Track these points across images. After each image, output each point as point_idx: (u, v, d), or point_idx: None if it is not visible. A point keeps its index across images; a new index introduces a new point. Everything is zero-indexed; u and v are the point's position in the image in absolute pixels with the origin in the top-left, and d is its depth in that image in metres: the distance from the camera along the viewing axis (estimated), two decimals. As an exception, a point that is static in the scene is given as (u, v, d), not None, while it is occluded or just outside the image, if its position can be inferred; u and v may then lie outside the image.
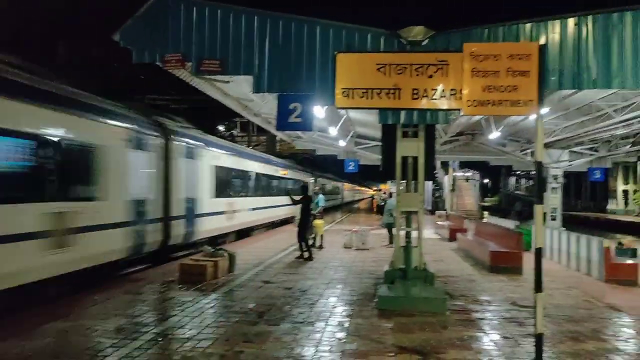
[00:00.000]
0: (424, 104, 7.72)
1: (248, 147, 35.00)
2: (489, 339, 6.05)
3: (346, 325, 6.53)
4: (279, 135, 27.43)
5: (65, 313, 6.85)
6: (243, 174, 19.29)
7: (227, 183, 16.88)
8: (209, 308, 7.29)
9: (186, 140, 13.36)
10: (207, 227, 14.02)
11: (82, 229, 8.24)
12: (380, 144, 9.95)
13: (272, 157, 27.78)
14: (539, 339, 4.60)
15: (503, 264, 10.77)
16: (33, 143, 7.41)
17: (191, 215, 12.97)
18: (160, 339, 5.76)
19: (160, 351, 5.37)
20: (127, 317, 6.66)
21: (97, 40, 25.86)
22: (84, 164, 8.65)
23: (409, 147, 8.60)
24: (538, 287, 4.59)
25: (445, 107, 7.82)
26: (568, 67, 7.79)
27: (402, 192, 8.85)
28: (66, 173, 8.07)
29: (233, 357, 5.24)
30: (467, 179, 45.60)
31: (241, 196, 18.21)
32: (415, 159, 8.59)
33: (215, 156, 15.74)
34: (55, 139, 7.90)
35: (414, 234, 8.38)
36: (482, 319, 7.00)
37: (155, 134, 11.35)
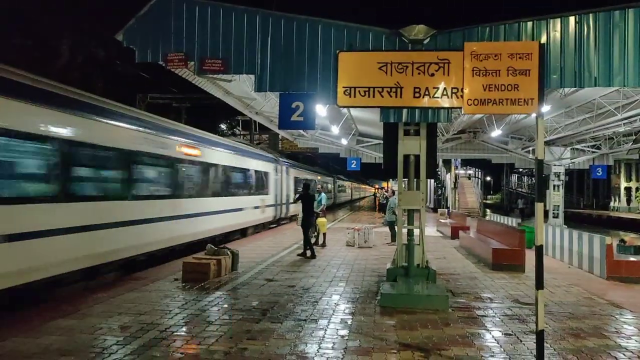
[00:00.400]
0: (425, 102, 7.77)
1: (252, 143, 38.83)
2: (491, 336, 6.09)
3: (349, 322, 6.58)
4: (282, 133, 27.53)
5: (70, 310, 6.91)
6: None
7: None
8: (213, 306, 7.34)
9: (284, 164, 24.98)
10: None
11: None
12: (382, 142, 9.98)
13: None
14: (540, 335, 4.64)
15: (505, 262, 10.81)
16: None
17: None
18: (164, 337, 5.82)
19: (165, 349, 5.42)
20: (131, 315, 6.72)
21: (100, 39, 25.90)
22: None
23: (411, 145, 8.63)
24: (539, 284, 4.63)
25: (446, 105, 7.87)
26: (569, 65, 7.82)
27: (404, 190, 8.89)
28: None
29: (237, 354, 5.30)
30: (469, 177, 45.61)
31: None
32: (417, 157, 8.62)
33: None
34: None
35: (416, 231, 8.41)
36: (484, 316, 7.04)
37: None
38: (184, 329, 6.18)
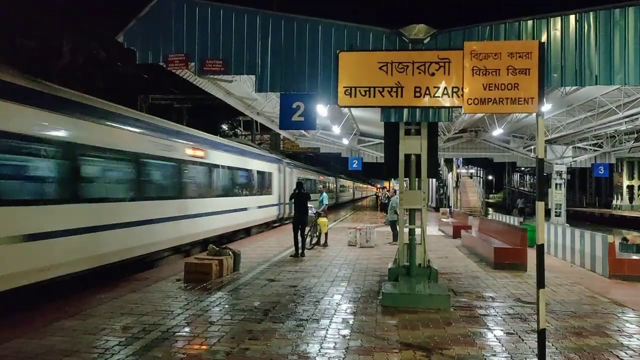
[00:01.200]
0: (426, 101, 7.76)
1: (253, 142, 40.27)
2: (493, 335, 6.09)
3: (350, 322, 6.58)
4: (283, 133, 27.54)
5: (73, 311, 6.94)
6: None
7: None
8: (215, 306, 7.36)
9: (287, 165, 25.37)
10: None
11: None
12: (383, 141, 9.97)
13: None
14: (541, 334, 4.64)
15: (507, 261, 10.80)
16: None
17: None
18: (166, 337, 5.83)
19: (167, 349, 5.44)
20: (134, 316, 6.74)
21: (100, 40, 25.95)
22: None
23: (412, 145, 8.63)
24: (540, 283, 4.63)
25: (447, 104, 7.86)
26: (570, 64, 7.82)
27: (405, 190, 8.89)
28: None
29: (239, 354, 5.31)
30: (471, 176, 45.59)
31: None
32: (418, 156, 8.62)
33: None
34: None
35: (418, 231, 8.42)
36: (486, 315, 7.04)
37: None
38: (186, 329, 6.19)
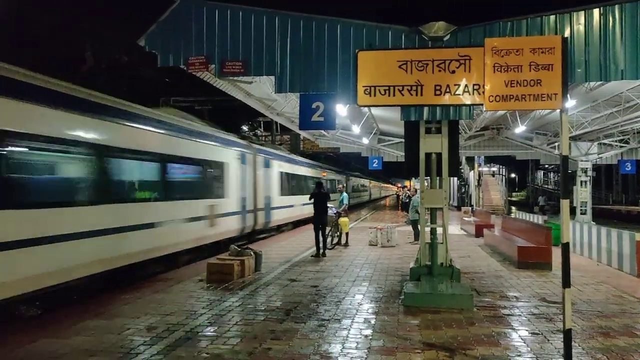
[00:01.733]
0: (446, 99, 7.67)
1: (273, 143, 38.86)
2: (518, 335, 6.00)
3: (372, 322, 6.56)
4: (303, 134, 27.57)
5: (99, 311, 7.06)
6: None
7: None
8: (237, 306, 7.40)
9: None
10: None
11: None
12: (403, 140, 9.89)
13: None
14: (567, 334, 4.55)
15: (531, 260, 10.62)
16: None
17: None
18: (190, 337, 5.89)
19: (190, 349, 5.49)
20: (157, 316, 6.82)
21: (122, 45, 26.36)
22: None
23: (433, 144, 8.55)
24: (566, 282, 4.54)
25: (468, 102, 7.74)
26: (594, 59, 7.66)
27: (426, 189, 8.82)
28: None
29: (261, 354, 5.33)
30: (493, 174, 45.01)
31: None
32: (439, 155, 8.54)
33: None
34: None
35: (439, 230, 8.34)
36: (510, 315, 6.94)
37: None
38: (209, 329, 6.24)
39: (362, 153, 26.93)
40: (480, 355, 5.27)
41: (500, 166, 47.53)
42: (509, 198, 42.65)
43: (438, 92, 7.72)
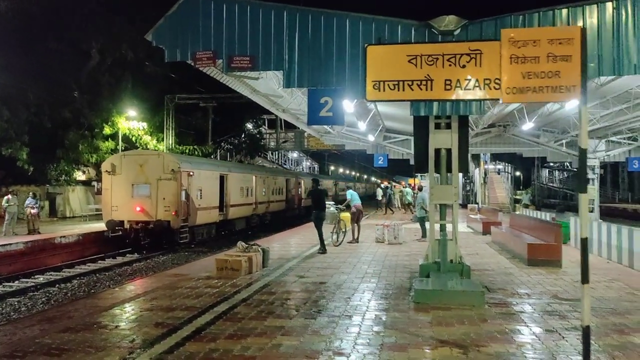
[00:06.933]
0: (456, 94, 7.61)
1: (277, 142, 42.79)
2: (532, 332, 5.91)
3: (383, 318, 6.48)
4: (308, 130, 27.46)
5: (108, 305, 7.02)
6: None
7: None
8: (245, 302, 7.32)
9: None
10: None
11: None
12: (409, 137, 9.80)
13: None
14: (586, 331, 4.46)
15: (541, 257, 10.50)
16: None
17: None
18: (199, 333, 5.83)
19: (199, 345, 5.42)
20: (165, 311, 6.76)
21: (128, 42, 26.33)
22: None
23: (442, 139, 8.47)
24: (584, 278, 4.45)
25: (478, 97, 7.69)
26: (607, 53, 7.56)
27: (436, 185, 8.74)
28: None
29: (272, 350, 5.26)
30: (498, 172, 44.79)
31: None
32: (448, 150, 8.46)
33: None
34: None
35: (449, 227, 8.25)
36: (522, 312, 6.84)
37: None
38: (218, 324, 6.17)
39: (367, 150, 26.82)
40: (495, 352, 5.19)
41: (506, 164, 47.27)
42: (514, 196, 42.37)
43: (448, 87, 7.64)
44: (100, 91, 26.90)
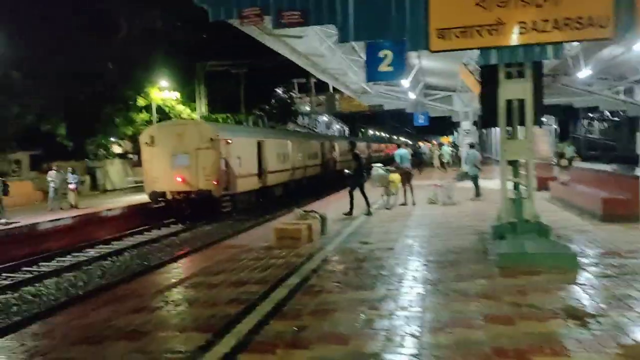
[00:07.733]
0: (531, 38, 6.95)
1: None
2: (647, 297, 5.31)
3: (471, 286, 5.96)
4: (345, 91, 26.40)
5: (172, 283, 6.74)
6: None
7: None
8: (317, 273, 6.91)
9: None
10: None
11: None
12: (450, 93, 9.05)
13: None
14: None
15: (618, 212, 9.77)
16: None
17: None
18: (280, 310, 5.44)
19: (285, 323, 5.03)
20: (236, 286, 6.42)
21: (158, 8, 25.76)
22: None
23: (514, 89, 7.76)
24: None
25: (558, 39, 7.01)
26: None
27: (506, 140, 8.08)
28: None
29: (364, 328, 4.83)
30: (540, 125, 43.30)
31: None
32: (520, 101, 7.75)
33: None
34: None
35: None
36: (624, 273, 6.22)
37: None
38: (297, 300, 5.78)
39: (406, 109, 25.93)
40: (619, 323, 4.59)
41: (548, 117, 45.60)
42: (558, 150, 40.88)
43: (523, 31, 6.98)
44: (132, 62, 26.56)
